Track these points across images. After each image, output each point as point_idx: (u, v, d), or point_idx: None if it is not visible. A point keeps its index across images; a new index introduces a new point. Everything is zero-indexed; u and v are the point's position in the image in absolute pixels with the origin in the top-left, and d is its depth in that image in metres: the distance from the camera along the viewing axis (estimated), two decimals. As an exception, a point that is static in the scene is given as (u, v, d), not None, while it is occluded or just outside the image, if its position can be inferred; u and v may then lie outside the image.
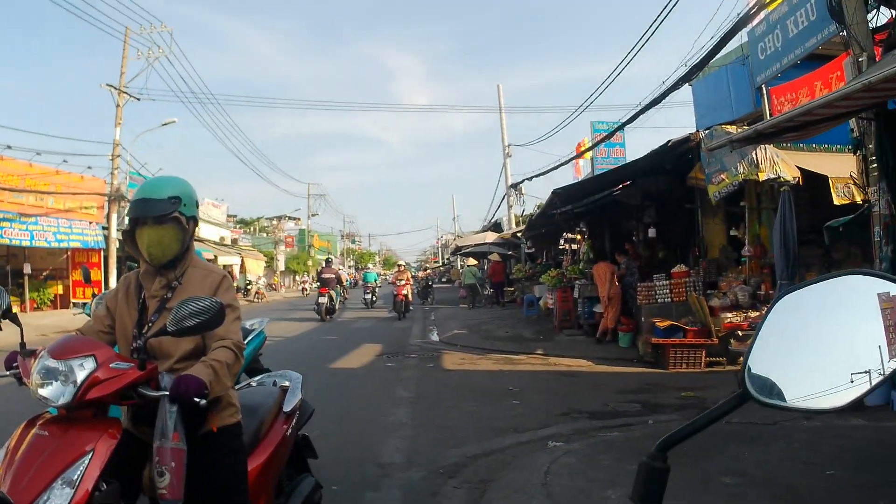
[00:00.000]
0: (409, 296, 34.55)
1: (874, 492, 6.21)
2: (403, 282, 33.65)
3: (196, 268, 4.36)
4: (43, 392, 3.58)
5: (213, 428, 4.03)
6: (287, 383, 5.62)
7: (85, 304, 11.24)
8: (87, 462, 3.37)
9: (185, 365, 4.07)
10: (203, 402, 3.67)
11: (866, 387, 1.65)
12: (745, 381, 1.73)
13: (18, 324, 4.56)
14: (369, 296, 41.18)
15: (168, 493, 3.63)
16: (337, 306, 33.79)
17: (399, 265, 40.05)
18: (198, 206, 4.46)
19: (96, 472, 3.37)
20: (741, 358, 1.82)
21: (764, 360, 1.78)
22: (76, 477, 3.30)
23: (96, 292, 35.59)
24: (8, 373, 4.20)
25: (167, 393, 3.71)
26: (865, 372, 1.65)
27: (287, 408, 5.29)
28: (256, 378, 6.13)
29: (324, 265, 35.93)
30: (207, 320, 3.65)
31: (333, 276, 33.36)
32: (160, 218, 4.12)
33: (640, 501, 1.62)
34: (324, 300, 31.24)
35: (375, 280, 44.92)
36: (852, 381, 1.66)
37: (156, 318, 4.16)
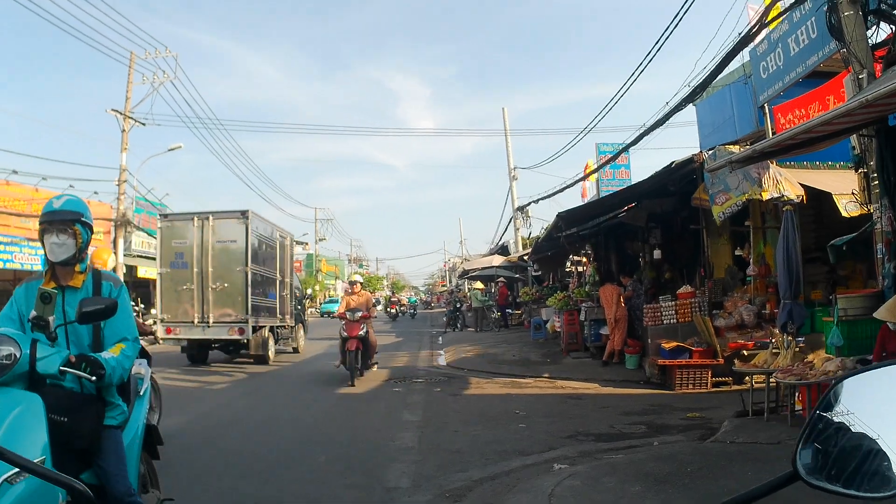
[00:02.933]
0: (371, 337, 19.16)
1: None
2: (359, 315, 18.64)
3: None
4: None
5: None
6: None
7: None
8: None
9: None
10: None
11: None
12: (795, 460, 1.68)
13: None
14: (412, 311, 70.71)
15: None
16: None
17: (353, 282, 20.69)
18: None
19: None
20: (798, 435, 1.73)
21: (817, 440, 1.71)
22: None
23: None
24: None
25: None
26: None
27: None
28: None
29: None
30: None
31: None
32: None
33: None
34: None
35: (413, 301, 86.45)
36: None
37: None
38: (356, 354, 18.13)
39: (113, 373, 4.55)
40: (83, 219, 4.97)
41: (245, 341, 22.81)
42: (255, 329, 22.79)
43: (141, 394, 5.72)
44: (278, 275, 25.84)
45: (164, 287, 23.00)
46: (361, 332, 18.22)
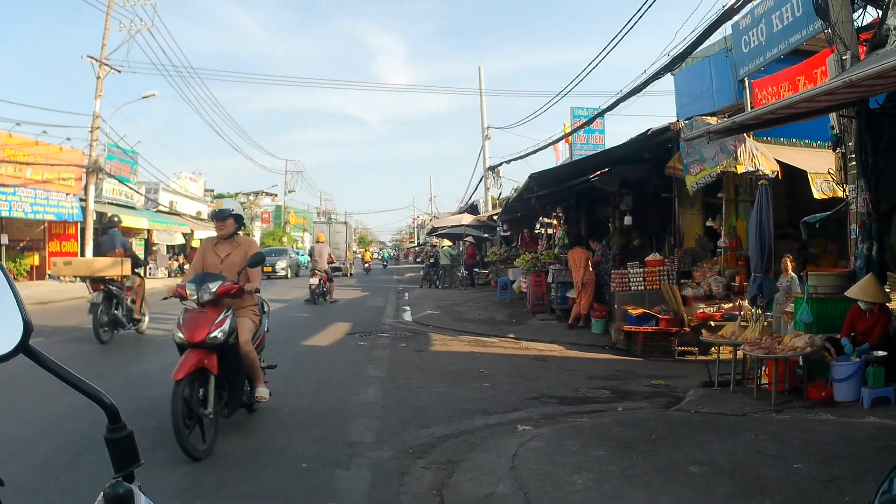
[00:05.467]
0: (244, 346, 8.72)
1: (841, 488, 6.25)
2: (216, 288, 8.56)
3: None
4: None
5: None
6: None
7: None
8: None
9: None
10: None
11: None
12: None
13: None
14: (384, 264, 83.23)
15: None
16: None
17: (221, 215, 9.46)
18: None
19: None
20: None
21: None
22: None
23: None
24: None
25: None
26: None
27: None
28: None
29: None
30: None
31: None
32: None
33: None
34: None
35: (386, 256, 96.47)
36: None
37: None
38: (199, 386, 8.08)
39: None
40: None
41: (343, 269, 48.42)
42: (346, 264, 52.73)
43: None
44: (348, 244, 55.58)
45: (312, 249, 37.77)
46: (218, 333, 8.19)
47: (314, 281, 27.74)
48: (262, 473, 7.20)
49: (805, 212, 12.80)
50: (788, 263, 13.09)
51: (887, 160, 10.61)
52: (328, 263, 29.38)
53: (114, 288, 16.22)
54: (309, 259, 31.29)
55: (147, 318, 17.58)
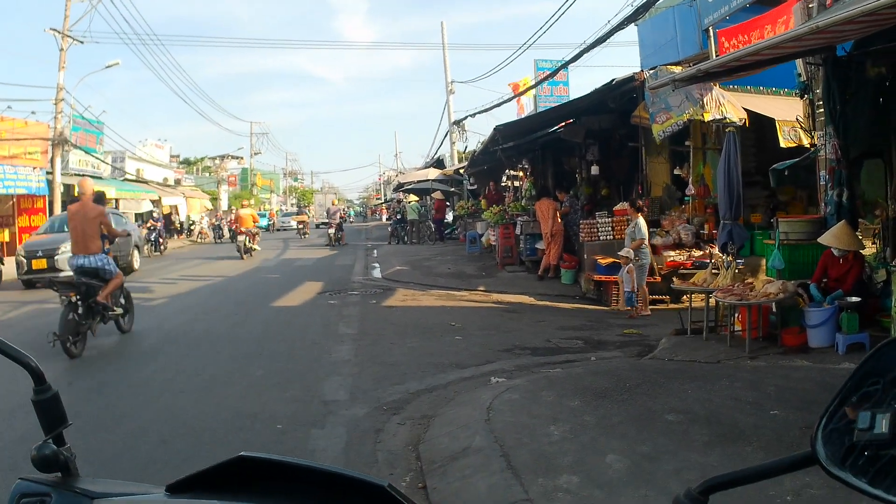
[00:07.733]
0: None
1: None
2: None
3: None
4: None
5: None
6: None
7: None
8: None
9: None
10: None
11: None
12: (815, 442, 1.37)
13: None
14: (350, 220, 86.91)
15: None
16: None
17: None
18: None
19: None
20: (819, 419, 1.29)
21: (846, 423, 1.37)
22: None
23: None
24: None
25: None
26: None
27: None
28: None
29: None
30: None
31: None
32: None
33: None
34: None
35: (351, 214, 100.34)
36: None
37: None
38: None
39: None
40: None
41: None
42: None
43: None
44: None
45: (318, 212, 68.55)
46: None
47: (331, 231, 39.94)
48: (237, 437, 7.16)
49: (773, 159, 12.82)
50: (627, 208, 13.41)
51: (855, 107, 10.63)
52: (339, 219, 42.49)
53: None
54: (326, 215, 47.57)
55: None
